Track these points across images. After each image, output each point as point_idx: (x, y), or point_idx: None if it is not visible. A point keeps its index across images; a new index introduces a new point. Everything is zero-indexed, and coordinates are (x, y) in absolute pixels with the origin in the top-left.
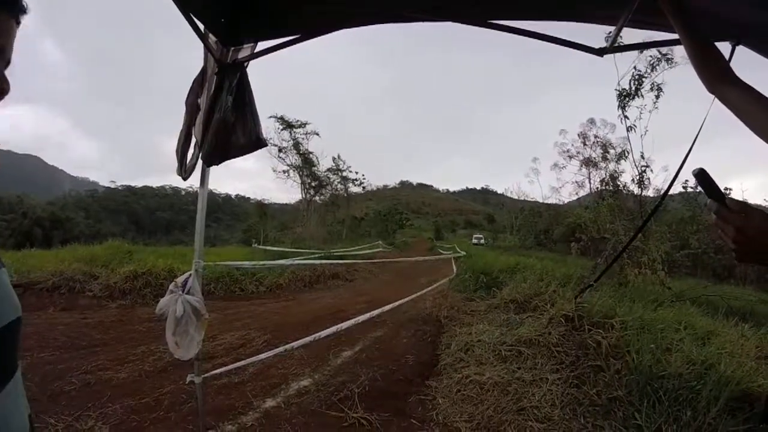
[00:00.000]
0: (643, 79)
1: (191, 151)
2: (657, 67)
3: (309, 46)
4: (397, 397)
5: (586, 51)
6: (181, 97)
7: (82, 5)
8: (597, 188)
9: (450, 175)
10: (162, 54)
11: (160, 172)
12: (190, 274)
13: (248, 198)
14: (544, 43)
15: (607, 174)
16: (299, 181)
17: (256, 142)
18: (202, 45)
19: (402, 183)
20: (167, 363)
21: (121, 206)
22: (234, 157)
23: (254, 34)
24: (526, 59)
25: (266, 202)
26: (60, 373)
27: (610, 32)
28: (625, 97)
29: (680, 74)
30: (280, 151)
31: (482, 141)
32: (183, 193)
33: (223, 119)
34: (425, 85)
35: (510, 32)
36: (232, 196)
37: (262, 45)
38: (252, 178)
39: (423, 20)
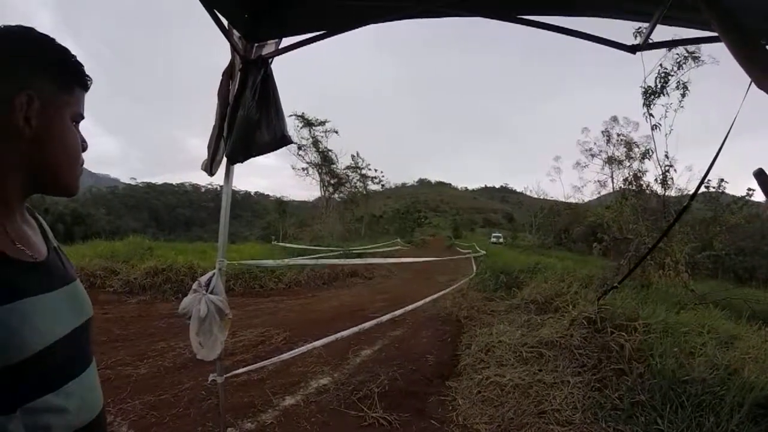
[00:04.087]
0: (669, 77)
1: (221, 146)
2: (683, 66)
3: (327, 44)
4: (416, 397)
5: (619, 48)
6: (200, 94)
7: (101, 3)
8: (620, 187)
9: (468, 173)
10: (182, 50)
11: (179, 169)
12: (214, 273)
13: (267, 195)
14: (566, 40)
15: (631, 173)
16: (318, 179)
17: (281, 140)
18: (225, 41)
19: (420, 181)
20: (187, 359)
21: (141, 203)
22: (258, 154)
23: (278, 30)
24: (546, 56)
25: (285, 199)
26: None
27: (640, 28)
28: (650, 95)
29: (707, 73)
30: (299, 148)
31: (501, 139)
32: (203, 190)
33: (246, 116)
34: (445, 83)
35: (540, 27)
36: (252, 193)
37: (286, 41)
38: (271, 175)
39: (451, 15)
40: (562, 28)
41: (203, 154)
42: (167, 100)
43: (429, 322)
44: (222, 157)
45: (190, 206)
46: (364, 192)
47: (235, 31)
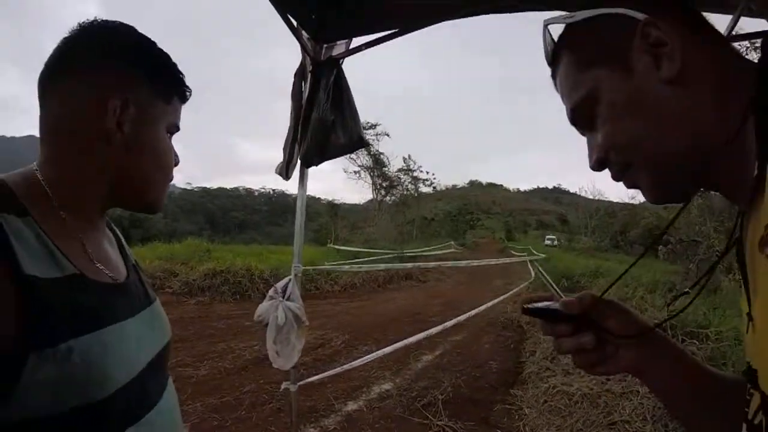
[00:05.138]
0: None
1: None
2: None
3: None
4: (481, 405)
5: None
6: (252, 101)
7: (153, 12)
8: None
9: (520, 173)
10: (234, 57)
11: (233, 173)
12: (290, 279)
13: (318, 198)
14: None
15: None
16: (370, 182)
17: (357, 142)
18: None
19: (471, 182)
20: (247, 361)
21: (196, 206)
22: (333, 157)
23: (347, 30)
24: None
25: (337, 202)
26: None
27: None
28: None
29: None
30: None
31: (555, 138)
32: (256, 194)
33: (321, 118)
34: (494, 83)
35: None
36: None
37: (357, 41)
38: (323, 179)
39: (528, 10)
40: None
41: (257, 159)
42: (223, 107)
43: (490, 327)
44: (297, 161)
45: (243, 209)
46: (416, 194)
47: (304, 32)
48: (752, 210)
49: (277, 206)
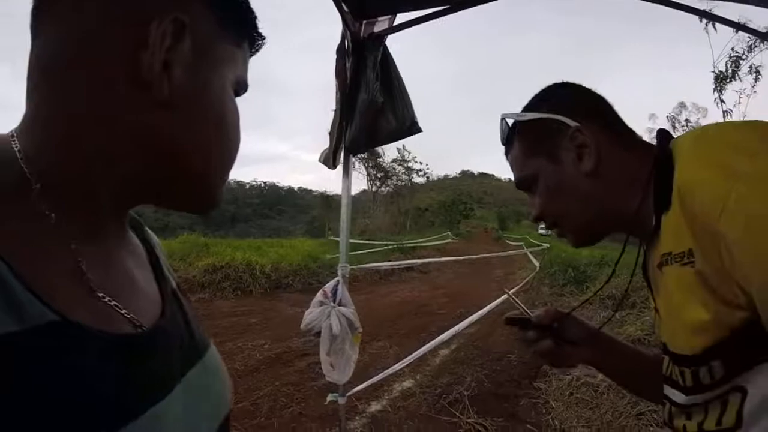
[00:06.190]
0: (741, 61)
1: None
2: (754, 49)
3: None
4: (506, 399)
5: (752, 33)
6: (259, 87)
7: None
8: None
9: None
10: None
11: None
12: (338, 281)
13: (310, 190)
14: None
15: None
16: (365, 173)
17: (410, 127)
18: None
19: (463, 172)
20: (258, 362)
21: None
22: (382, 143)
23: (391, 4)
24: (604, 40)
25: (330, 193)
26: None
27: None
28: (721, 80)
29: None
30: None
31: None
32: (247, 186)
33: (370, 100)
34: (487, 72)
35: (663, 4)
36: (295, 189)
37: (401, 18)
38: (313, 170)
39: None
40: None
41: (247, 151)
42: None
43: (501, 318)
44: (340, 148)
45: (234, 203)
46: (410, 185)
47: (344, 5)
48: (652, 245)
49: (269, 199)
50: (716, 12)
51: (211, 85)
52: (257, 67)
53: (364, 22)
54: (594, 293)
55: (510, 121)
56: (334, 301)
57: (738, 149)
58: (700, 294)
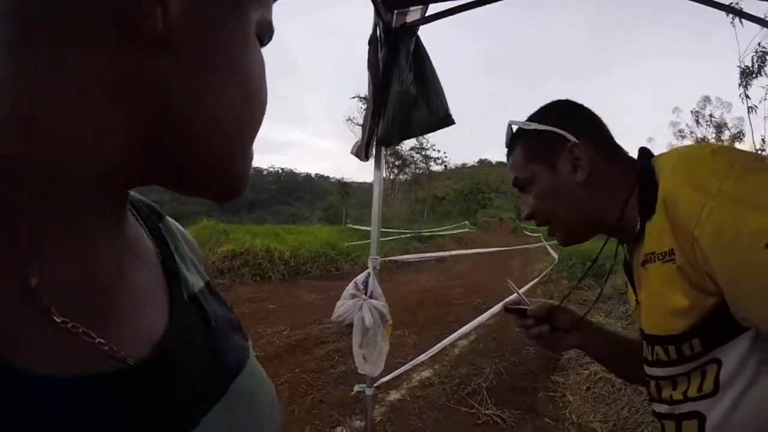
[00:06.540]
0: (767, 57)
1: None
2: None
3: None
4: (525, 392)
5: None
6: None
7: None
8: None
9: None
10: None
11: None
12: (369, 273)
13: (328, 177)
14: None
15: None
16: (383, 161)
17: (444, 119)
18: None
19: (481, 161)
20: (278, 348)
21: None
22: (416, 135)
23: None
24: (628, 25)
25: (347, 180)
26: None
27: None
28: (747, 75)
29: None
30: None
31: None
32: (264, 173)
33: (404, 92)
34: (510, 61)
35: (722, 9)
36: (312, 175)
37: (434, 8)
38: (331, 157)
39: None
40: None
41: (266, 137)
42: None
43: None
44: (375, 139)
45: (252, 189)
46: (428, 173)
47: None
48: (636, 247)
49: (286, 185)
50: (744, 6)
51: (226, 23)
52: (276, 49)
53: (396, 12)
54: (593, 303)
55: (515, 127)
56: (365, 294)
57: (713, 172)
58: (680, 285)
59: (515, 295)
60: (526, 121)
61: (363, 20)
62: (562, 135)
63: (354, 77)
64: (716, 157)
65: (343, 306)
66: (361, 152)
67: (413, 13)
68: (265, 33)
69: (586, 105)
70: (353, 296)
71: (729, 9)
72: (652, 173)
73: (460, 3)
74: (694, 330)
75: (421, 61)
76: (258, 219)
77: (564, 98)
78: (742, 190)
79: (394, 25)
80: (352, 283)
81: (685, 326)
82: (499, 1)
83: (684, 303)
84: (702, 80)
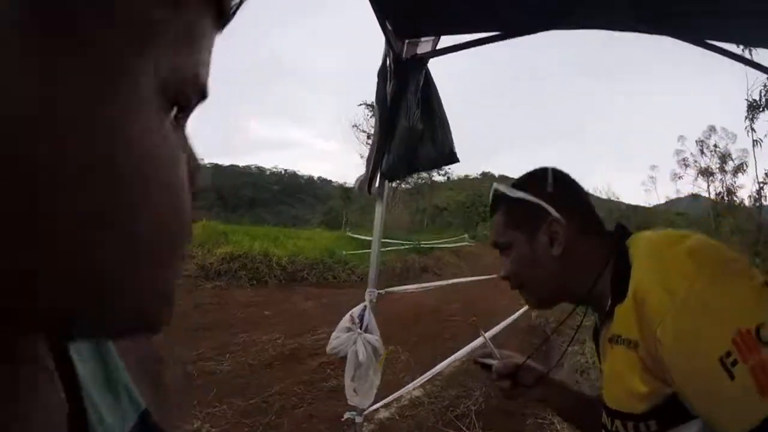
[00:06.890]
0: None
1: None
2: None
3: None
4: (513, 417)
5: None
6: (265, 80)
7: None
8: (715, 199)
9: (532, 168)
10: (245, 38)
11: (247, 152)
12: (365, 306)
13: (330, 180)
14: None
15: (724, 186)
16: None
17: (449, 156)
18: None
19: (483, 174)
20: (271, 357)
21: (207, 183)
22: (421, 170)
23: (437, 25)
24: (636, 60)
25: (349, 185)
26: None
27: None
28: (754, 109)
29: None
30: (368, 137)
31: (569, 134)
32: (267, 173)
33: (411, 128)
34: (513, 76)
35: (732, 58)
36: (315, 178)
37: (445, 41)
38: (334, 160)
39: (638, 31)
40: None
41: (271, 137)
42: (239, 84)
43: (513, 332)
44: (376, 173)
45: (253, 188)
46: (429, 183)
47: (387, 24)
48: (605, 322)
49: (288, 186)
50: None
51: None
52: (274, 51)
53: (407, 42)
54: (558, 360)
55: (500, 192)
56: (360, 327)
57: (683, 275)
58: (640, 373)
59: (510, 319)
60: (512, 187)
61: (371, 26)
62: (544, 208)
63: (361, 84)
64: (689, 259)
65: (338, 339)
66: (365, 186)
67: (424, 45)
68: (187, 91)
69: (570, 174)
70: (348, 329)
71: (738, 58)
72: (626, 254)
73: (472, 39)
74: (653, 412)
75: (429, 95)
76: (257, 219)
77: (550, 166)
78: (708, 298)
79: (404, 56)
80: (347, 316)
81: (644, 409)
82: (511, 39)
83: (644, 389)
84: (708, 109)
